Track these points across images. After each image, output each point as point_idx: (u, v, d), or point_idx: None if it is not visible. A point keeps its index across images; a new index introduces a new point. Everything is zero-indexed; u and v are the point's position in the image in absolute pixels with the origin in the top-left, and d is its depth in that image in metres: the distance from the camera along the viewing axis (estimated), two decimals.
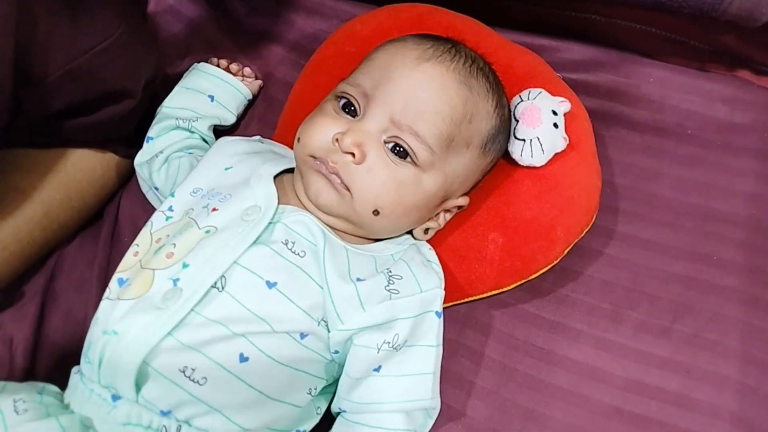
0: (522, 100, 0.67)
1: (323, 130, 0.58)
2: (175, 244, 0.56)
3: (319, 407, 0.60)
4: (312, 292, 0.55)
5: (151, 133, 0.73)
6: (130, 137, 0.75)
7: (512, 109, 0.67)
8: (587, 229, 0.68)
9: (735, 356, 0.63)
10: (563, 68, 0.78)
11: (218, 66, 0.81)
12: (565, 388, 0.63)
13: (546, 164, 0.66)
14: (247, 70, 0.83)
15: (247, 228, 0.56)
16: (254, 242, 0.55)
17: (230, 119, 0.79)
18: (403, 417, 0.56)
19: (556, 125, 0.66)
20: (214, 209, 0.58)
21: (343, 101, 0.60)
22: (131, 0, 0.69)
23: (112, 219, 0.75)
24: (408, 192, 0.58)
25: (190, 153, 0.72)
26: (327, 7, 0.88)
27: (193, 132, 0.74)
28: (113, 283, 0.56)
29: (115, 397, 0.51)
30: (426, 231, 0.64)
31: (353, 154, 0.56)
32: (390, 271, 0.58)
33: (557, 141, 0.66)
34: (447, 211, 0.64)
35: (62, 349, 0.69)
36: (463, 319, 0.67)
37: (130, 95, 0.70)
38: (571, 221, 0.66)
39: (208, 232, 0.56)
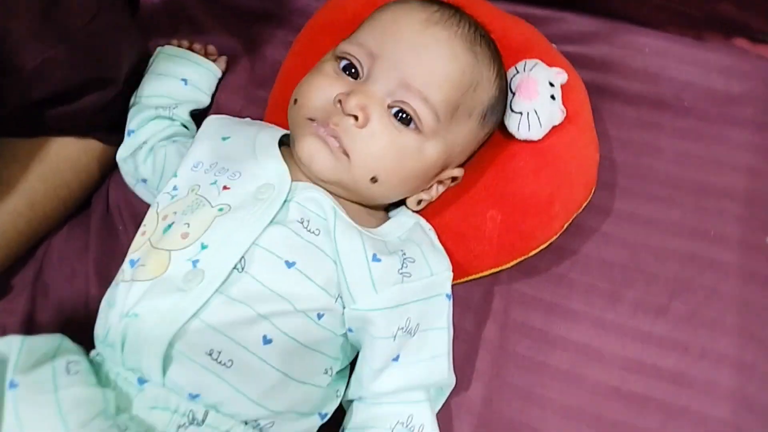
0: (518, 72, 0.66)
1: (324, 91, 0.56)
2: (188, 224, 0.54)
3: (338, 390, 0.60)
4: (328, 269, 0.54)
5: (131, 125, 0.70)
6: (114, 124, 0.73)
7: (508, 81, 0.66)
8: (585, 204, 0.67)
9: (733, 333, 0.63)
10: (556, 40, 0.76)
11: (181, 47, 0.78)
12: (564, 369, 0.63)
13: (543, 138, 0.65)
14: (211, 48, 0.80)
15: (262, 207, 0.55)
16: (271, 222, 0.54)
17: (205, 101, 0.76)
18: (423, 392, 0.57)
19: (553, 97, 0.64)
20: (225, 187, 0.57)
21: (344, 62, 0.58)
22: None
23: (102, 207, 0.74)
24: (409, 160, 0.57)
25: (174, 141, 0.70)
26: None
27: (174, 119, 0.71)
28: (126, 265, 0.55)
29: (142, 381, 0.50)
30: (419, 202, 0.63)
31: (356, 117, 0.54)
32: (404, 254, 0.57)
33: (555, 113, 0.65)
34: (440, 182, 0.63)
35: None
36: (460, 301, 0.66)
37: (113, 82, 0.68)
38: (569, 196, 0.65)
39: (221, 210, 0.55)
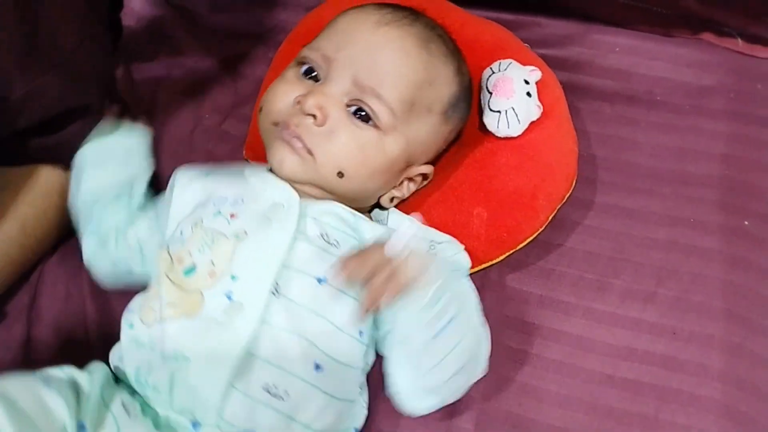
0: (493, 72, 0.68)
1: (285, 95, 0.59)
2: (213, 261, 0.54)
3: (365, 401, 0.61)
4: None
5: (86, 224, 0.66)
6: None
7: (485, 82, 0.68)
8: (568, 195, 0.69)
9: (719, 316, 0.65)
10: (530, 43, 0.78)
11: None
12: (558, 360, 0.64)
13: (523, 134, 0.66)
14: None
15: (278, 226, 0.55)
16: (293, 240, 0.55)
17: (149, 166, 0.70)
18: None
19: (529, 94, 0.66)
20: (232, 215, 0.57)
21: (305, 67, 0.60)
22: (91, 12, 0.67)
23: None
24: (371, 154, 0.58)
25: (140, 218, 0.66)
26: None
27: (131, 198, 0.67)
28: (153, 304, 0.55)
29: (196, 424, 0.50)
30: (392, 199, 0.65)
31: (314, 117, 0.56)
32: (431, 239, 0.61)
33: (532, 109, 0.66)
34: (411, 180, 0.65)
35: (52, 364, 0.68)
36: None
37: (96, 109, 0.68)
38: (552, 188, 0.67)
39: (237, 237, 0.55)
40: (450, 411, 0.62)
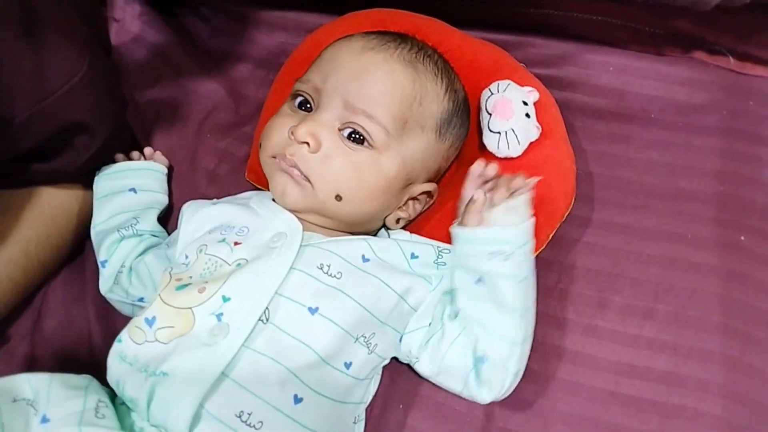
0: (492, 94, 0.69)
1: (280, 128, 0.60)
2: (207, 282, 0.55)
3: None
4: (352, 310, 0.56)
5: (101, 256, 0.68)
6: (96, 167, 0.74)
7: (484, 103, 0.69)
8: (567, 214, 0.70)
9: (717, 330, 0.66)
10: (526, 63, 0.79)
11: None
12: (561, 378, 0.65)
13: (522, 154, 0.68)
14: (148, 151, 0.76)
15: (279, 255, 0.56)
16: (290, 268, 0.55)
17: (163, 200, 0.74)
18: None
19: (528, 115, 0.68)
20: (236, 243, 0.58)
21: (298, 99, 0.62)
22: (94, 35, 0.68)
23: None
24: (367, 175, 0.59)
25: (149, 252, 0.68)
26: (289, 20, 0.89)
27: (141, 235, 0.70)
28: (141, 323, 0.55)
29: None
30: (397, 220, 0.66)
31: (308, 144, 0.58)
32: (439, 248, 0.63)
33: (531, 130, 0.68)
34: (415, 199, 0.65)
35: None
36: None
37: (99, 130, 0.69)
38: (551, 207, 0.68)
39: (239, 265, 0.56)
40: (451, 429, 0.62)
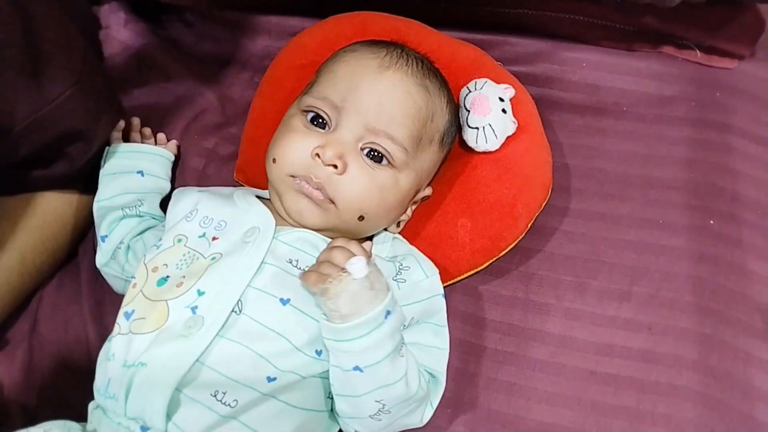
0: (470, 91, 0.71)
1: (299, 147, 0.60)
2: (184, 276, 0.57)
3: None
4: None
5: (101, 230, 0.70)
6: (94, 173, 0.75)
7: (462, 100, 0.71)
8: (545, 203, 0.73)
9: (690, 309, 0.69)
10: (503, 61, 0.82)
11: (130, 129, 0.78)
12: (543, 360, 0.68)
13: (500, 148, 0.70)
14: (160, 135, 0.80)
15: (252, 249, 0.58)
16: (262, 263, 0.57)
17: (166, 186, 0.76)
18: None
19: (504, 111, 0.70)
20: (214, 238, 0.60)
21: (311, 115, 0.62)
22: (90, 44, 0.69)
23: (90, 256, 0.76)
24: (389, 193, 0.61)
25: (148, 230, 0.71)
26: (273, 24, 0.91)
27: (142, 216, 0.72)
28: (120, 318, 0.57)
29: (144, 429, 0.52)
30: (398, 224, 0.68)
31: (335, 166, 0.58)
32: (401, 264, 0.62)
33: (507, 125, 0.70)
34: (414, 202, 0.68)
35: (55, 389, 0.70)
36: None
37: (95, 136, 0.70)
38: (529, 198, 0.71)
39: (213, 258, 0.58)
40: (440, 415, 0.65)
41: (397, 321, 0.54)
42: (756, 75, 0.84)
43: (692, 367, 0.66)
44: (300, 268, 0.58)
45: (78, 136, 0.68)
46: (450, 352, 0.64)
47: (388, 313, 0.53)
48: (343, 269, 0.53)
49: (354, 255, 0.53)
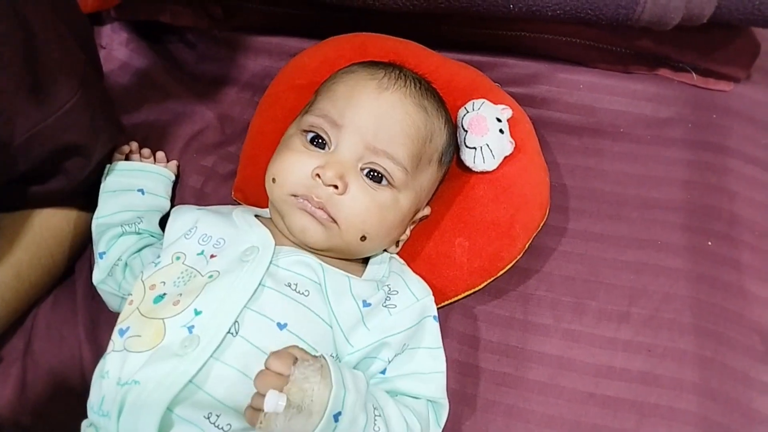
0: (468, 112, 0.72)
1: (300, 166, 0.60)
2: (181, 294, 0.57)
3: None
4: (319, 327, 0.57)
5: (99, 248, 0.70)
6: (92, 190, 0.75)
7: (460, 120, 0.72)
8: (542, 223, 0.73)
9: (690, 331, 0.69)
10: (501, 83, 0.83)
11: (129, 152, 0.78)
12: (542, 382, 0.67)
13: (497, 168, 0.71)
14: (160, 154, 0.81)
15: (250, 268, 0.57)
16: (260, 285, 0.56)
17: (166, 205, 0.77)
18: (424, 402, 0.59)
19: (501, 131, 0.71)
20: (212, 255, 0.60)
21: (311, 135, 0.62)
22: (90, 60, 0.70)
23: (86, 274, 0.76)
24: (389, 213, 0.61)
25: (146, 247, 0.71)
26: (273, 45, 0.92)
27: (141, 233, 0.72)
28: (115, 335, 0.57)
29: None
30: (397, 243, 0.68)
31: (336, 186, 0.58)
32: (389, 288, 0.62)
33: (505, 145, 0.71)
34: (413, 222, 0.68)
35: (49, 408, 0.69)
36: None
37: (94, 152, 0.71)
38: (527, 218, 0.71)
39: (211, 276, 0.58)
40: None
41: (352, 412, 0.50)
42: (752, 97, 0.84)
43: (692, 390, 0.66)
44: (299, 292, 0.58)
45: (76, 151, 0.68)
46: (447, 374, 0.62)
47: (339, 414, 0.49)
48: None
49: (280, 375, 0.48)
